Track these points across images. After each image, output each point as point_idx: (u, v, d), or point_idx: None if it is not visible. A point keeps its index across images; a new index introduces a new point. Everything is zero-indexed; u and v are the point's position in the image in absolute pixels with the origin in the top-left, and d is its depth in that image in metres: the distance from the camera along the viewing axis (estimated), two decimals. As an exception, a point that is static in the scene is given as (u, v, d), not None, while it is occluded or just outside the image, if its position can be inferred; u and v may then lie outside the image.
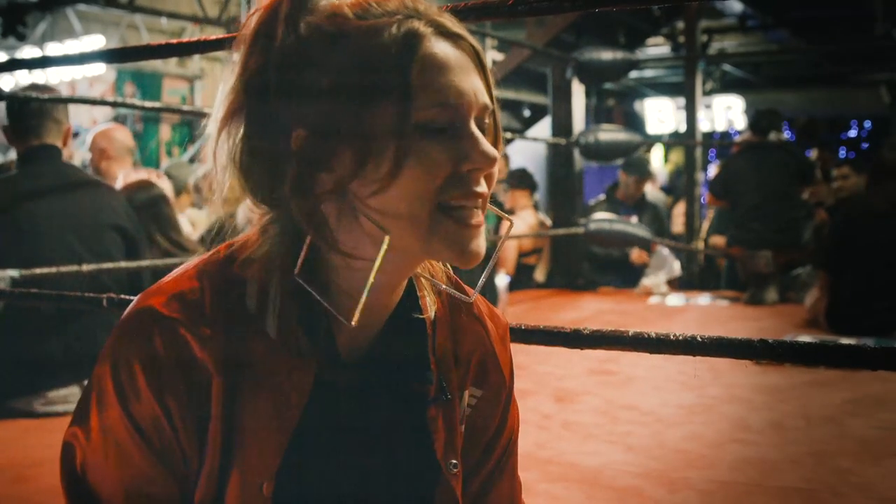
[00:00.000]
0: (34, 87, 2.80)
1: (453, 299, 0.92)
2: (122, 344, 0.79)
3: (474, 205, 0.79)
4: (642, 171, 5.85)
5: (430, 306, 0.90)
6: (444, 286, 0.91)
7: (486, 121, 0.81)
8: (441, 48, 0.77)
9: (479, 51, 0.80)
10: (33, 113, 2.63)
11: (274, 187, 0.80)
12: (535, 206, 5.77)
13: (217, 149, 0.81)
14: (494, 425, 0.97)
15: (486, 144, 0.78)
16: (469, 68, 0.79)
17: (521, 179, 5.50)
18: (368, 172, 0.76)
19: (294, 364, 0.80)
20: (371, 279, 0.78)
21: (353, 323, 0.79)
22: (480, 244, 0.80)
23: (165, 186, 3.66)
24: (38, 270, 2.29)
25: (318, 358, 0.81)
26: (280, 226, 0.82)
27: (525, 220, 5.38)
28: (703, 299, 4.93)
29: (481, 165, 0.77)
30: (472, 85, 0.78)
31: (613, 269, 5.55)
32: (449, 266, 0.94)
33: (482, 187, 0.79)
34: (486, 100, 0.80)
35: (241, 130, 0.80)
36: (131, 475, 0.78)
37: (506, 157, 5.41)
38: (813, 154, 5.66)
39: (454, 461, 0.89)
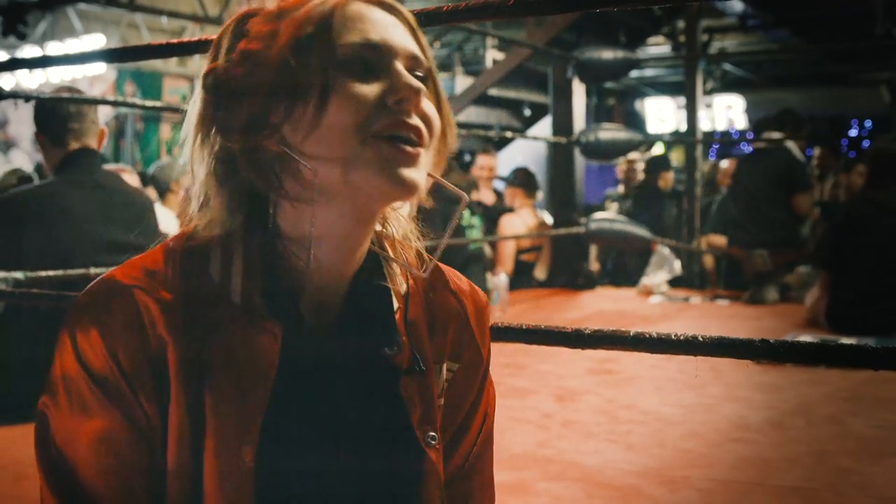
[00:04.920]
0: (66, 89, 2.77)
1: (429, 274, 0.92)
2: (82, 310, 0.82)
3: (407, 135, 0.80)
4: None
5: (399, 278, 0.91)
6: (393, 258, 0.91)
7: (420, 74, 0.84)
8: (365, 7, 0.83)
9: (412, 21, 0.85)
10: (73, 116, 2.59)
11: (232, 162, 0.83)
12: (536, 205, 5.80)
13: (196, 150, 0.85)
14: (470, 401, 0.97)
15: (409, 77, 0.80)
16: (397, 26, 0.84)
17: (521, 178, 5.51)
18: (298, 116, 0.79)
19: (259, 329, 0.82)
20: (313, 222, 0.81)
21: (309, 265, 0.83)
22: (416, 174, 0.81)
23: (133, 181, 3.73)
24: (43, 273, 2.28)
25: (283, 322, 0.83)
26: (238, 196, 0.84)
27: (523, 218, 5.38)
28: (704, 298, 4.93)
29: (407, 95, 0.80)
30: (399, 35, 0.83)
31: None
32: (418, 243, 0.95)
33: (415, 120, 0.80)
34: (416, 51, 0.84)
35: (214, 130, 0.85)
36: (97, 431, 0.80)
37: (490, 152, 5.39)
38: (815, 153, 5.64)
39: (432, 433, 0.89)
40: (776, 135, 4.97)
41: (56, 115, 2.60)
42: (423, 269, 0.92)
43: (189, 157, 0.86)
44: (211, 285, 0.83)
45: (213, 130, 0.84)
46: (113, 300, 0.81)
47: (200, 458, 0.80)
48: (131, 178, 4.08)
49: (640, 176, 6.57)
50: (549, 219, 5.58)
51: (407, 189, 0.81)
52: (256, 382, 0.81)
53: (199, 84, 0.86)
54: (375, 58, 0.81)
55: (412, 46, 0.84)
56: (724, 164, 6.66)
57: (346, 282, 0.88)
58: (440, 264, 0.96)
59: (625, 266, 5.71)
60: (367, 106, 0.79)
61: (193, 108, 0.86)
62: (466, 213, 4.25)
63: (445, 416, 0.94)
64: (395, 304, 0.91)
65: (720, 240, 5.62)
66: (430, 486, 0.89)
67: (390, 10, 0.84)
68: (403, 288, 0.91)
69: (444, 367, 0.94)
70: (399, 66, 0.81)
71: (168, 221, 3.93)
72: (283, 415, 0.82)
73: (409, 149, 0.80)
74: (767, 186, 4.82)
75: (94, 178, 2.62)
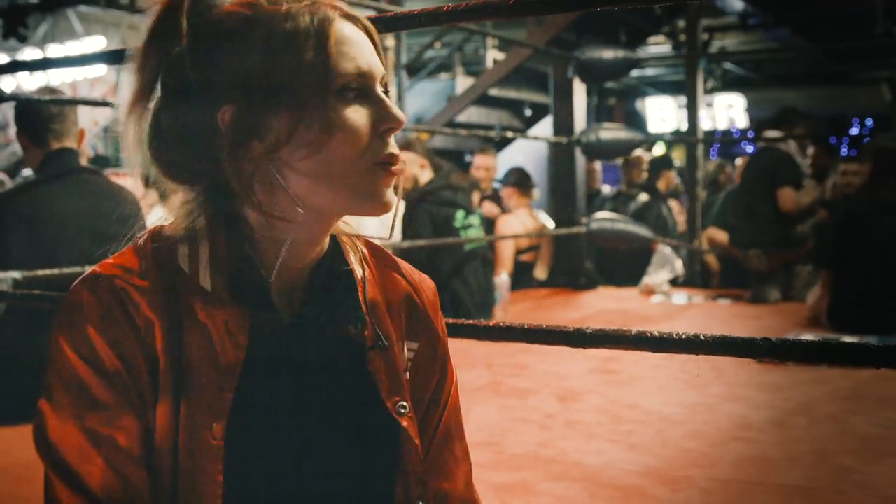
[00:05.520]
0: (47, 89, 2.78)
1: (380, 261, 1.01)
2: (69, 310, 0.85)
3: (392, 161, 0.88)
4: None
5: (356, 263, 0.97)
6: (351, 242, 0.98)
7: (383, 90, 0.91)
8: (348, 27, 0.88)
9: (373, 32, 0.91)
10: (54, 116, 2.60)
11: (193, 163, 0.87)
12: (532, 205, 5.82)
13: (131, 139, 0.89)
14: (435, 379, 1.02)
15: (396, 108, 0.89)
16: (369, 45, 0.90)
17: (516, 177, 5.52)
18: (297, 138, 0.84)
19: (230, 313, 0.86)
20: (287, 244, 0.88)
21: (270, 279, 0.88)
22: (392, 194, 0.90)
23: (129, 184, 3.74)
24: (40, 272, 2.28)
25: (253, 305, 0.87)
26: (200, 196, 0.89)
27: (520, 219, 5.39)
28: (706, 298, 4.93)
29: (395, 126, 0.88)
30: (375, 57, 0.90)
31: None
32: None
33: (394, 147, 0.89)
34: (383, 70, 0.91)
35: (153, 116, 0.88)
36: (96, 419, 0.82)
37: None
38: (809, 153, 5.62)
39: (403, 403, 0.94)
40: (773, 133, 4.97)
41: (38, 117, 2.61)
42: (388, 236, 0.98)
43: (148, 156, 0.89)
44: (184, 276, 0.87)
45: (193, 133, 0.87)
46: (97, 293, 0.84)
47: (176, 436, 0.84)
48: (134, 181, 4.07)
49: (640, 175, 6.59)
50: (545, 218, 5.58)
51: (388, 209, 0.89)
52: (227, 363, 0.85)
53: (141, 71, 0.87)
54: (364, 84, 0.87)
55: (381, 66, 0.90)
56: (739, 161, 6.69)
57: (309, 268, 0.93)
58: (387, 250, 1.03)
59: (612, 265, 5.71)
60: (366, 135, 0.86)
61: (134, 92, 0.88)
62: (461, 213, 4.24)
63: (414, 395, 0.99)
64: (355, 281, 0.96)
65: (721, 235, 5.62)
66: (407, 453, 0.94)
67: (362, 26, 0.90)
68: (360, 272, 0.97)
69: (405, 345, 0.99)
70: (380, 92, 0.89)
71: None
72: (253, 393, 0.86)
73: (393, 171, 0.88)
74: (756, 184, 4.83)
75: (75, 175, 2.63)
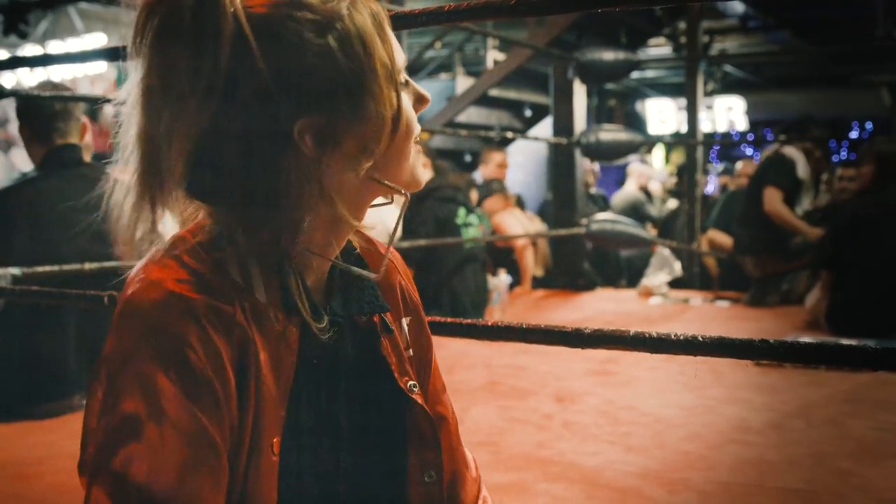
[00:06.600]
0: (49, 85, 2.78)
1: (366, 244, 1.02)
2: (157, 335, 0.77)
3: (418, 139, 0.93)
4: None
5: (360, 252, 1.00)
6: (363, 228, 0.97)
7: None
8: (388, 23, 0.90)
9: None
10: (58, 113, 2.59)
11: (245, 179, 0.82)
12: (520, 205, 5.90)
13: (169, 153, 0.81)
14: (427, 345, 1.07)
15: (422, 89, 0.93)
16: None
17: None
18: (378, 137, 0.85)
19: (285, 325, 0.86)
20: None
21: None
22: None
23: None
24: (39, 269, 2.28)
25: (301, 313, 0.87)
26: (237, 208, 0.84)
27: (517, 217, 5.44)
28: (704, 300, 4.94)
29: (427, 103, 0.93)
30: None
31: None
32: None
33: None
34: None
35: (199, 130, 0.79)
36: (196, 448, 0.77)
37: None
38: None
39: (412, 382, 0.98)
40: (782, 138, 5.00)
41: (43, 114, 2.61)
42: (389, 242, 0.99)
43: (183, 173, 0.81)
44: (240, 288, 0.83)
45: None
46: (188, 317, 0.78)
47: (249, 454, 0.82)
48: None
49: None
50: (533, 216, 5.66)
51: (421, 184, 0.94)
52: (286, 377, 0.85)
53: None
54: (405, 76, 0.91)
55: None
56: (739, 165, 6.71)
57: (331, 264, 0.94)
58: (365, 232, 1.02)
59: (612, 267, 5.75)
60: (414, 119, 0.90)
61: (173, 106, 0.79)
62: (462, 210, 4.26)
63: (417, 365, 1.03)
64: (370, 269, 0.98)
65: (721, 237, 5.62)
66: (422, 428, 0.98)
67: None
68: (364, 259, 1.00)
69: (404, 322, 1.02)
70: (407, 77, 0.91)
71: (168, 223, 3.90)
72: (301, 402, 0.87)
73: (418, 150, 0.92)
74: (753, 187, 4.85)
75: (77, 171, 2.62)
